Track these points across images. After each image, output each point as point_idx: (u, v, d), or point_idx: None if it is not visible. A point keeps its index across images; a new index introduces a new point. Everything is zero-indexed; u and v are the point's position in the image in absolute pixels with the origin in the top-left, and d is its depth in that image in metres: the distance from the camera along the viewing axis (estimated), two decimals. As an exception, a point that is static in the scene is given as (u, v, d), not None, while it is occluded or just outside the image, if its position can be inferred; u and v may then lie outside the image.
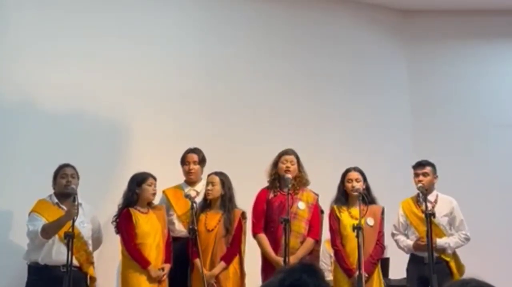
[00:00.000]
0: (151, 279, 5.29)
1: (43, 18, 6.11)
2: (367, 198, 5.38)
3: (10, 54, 5.93)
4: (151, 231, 5.37)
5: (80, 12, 6.29)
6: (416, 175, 5.68)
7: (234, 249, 5.43)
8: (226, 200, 5.46)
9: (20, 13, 6.02)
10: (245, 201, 5.60)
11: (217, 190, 5.47)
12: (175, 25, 6.84)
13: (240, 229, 5.46)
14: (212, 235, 5.39)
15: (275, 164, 5.61)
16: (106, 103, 6.26)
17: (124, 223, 5.36)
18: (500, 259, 6.99)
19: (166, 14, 6.81)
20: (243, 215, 5.52)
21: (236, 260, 5.42)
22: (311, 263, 2.01)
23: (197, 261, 5.26)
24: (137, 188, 5.41)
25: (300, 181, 5.58)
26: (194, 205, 5.31)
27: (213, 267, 5.35)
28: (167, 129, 6.52)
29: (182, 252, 5.45)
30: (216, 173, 5.55)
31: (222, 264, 5.36)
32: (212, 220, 5.44)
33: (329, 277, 5.73)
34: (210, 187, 5.48)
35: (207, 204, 5.51)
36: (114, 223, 5.43)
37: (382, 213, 5.53)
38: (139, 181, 5.43)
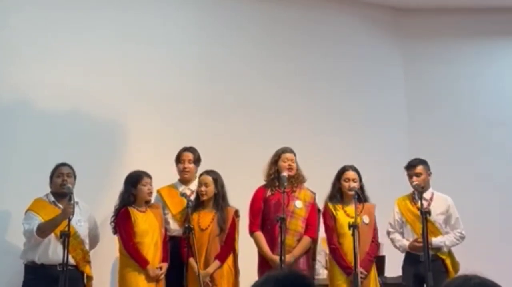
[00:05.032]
0: (149, 278, 5.28)
1: (40, 18, 6.10)
2: (362, 197, 5.36)
3: (6, 54, 5.93)
4: (149, 230, 5.37)
5: (77, 12, 6.29)
6: (409, 176, 5.67)
7: (228, 248, 5.41)
8: (219, 199, 5.45)
9: (17, 13, 6.01)
10: (242, 200, 5.59)
11: (211, 190, 5.45)
12: (172, 25, 6.83)
13: (234, 227, 5.45)
14: (206, 234, 5.38)
15: (275, 163, 5.57)
16: (103, 102, 6.25)
17: (122, 222, 5.34)
18: (496, 257, 6.99)
19: (164, 14, 6.80)
20: (236, 213, 5.51)
21: (230, 258, 5.42)
22: (302, 274, 2.00)
23: (192, 260, 5.24)
24: (133, 189, 5.40)
25: (297, 178, 5.57)
26: (190, 203, 5.30)
27: (207, 266, 5.34)
28: (164, 128, 6.51)
29: (176, 251, 5.43)
30: (208, 173, 5.51)
31: (217, 262, 5.35)
32: (205, 219, 5.42)
33: (323, 274, 5.75)
34: (203, 188, 5.45)
35: (199, 203, 5.49)
36: (112, 223, 5.40)
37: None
38: (133, 181, 5.42)
